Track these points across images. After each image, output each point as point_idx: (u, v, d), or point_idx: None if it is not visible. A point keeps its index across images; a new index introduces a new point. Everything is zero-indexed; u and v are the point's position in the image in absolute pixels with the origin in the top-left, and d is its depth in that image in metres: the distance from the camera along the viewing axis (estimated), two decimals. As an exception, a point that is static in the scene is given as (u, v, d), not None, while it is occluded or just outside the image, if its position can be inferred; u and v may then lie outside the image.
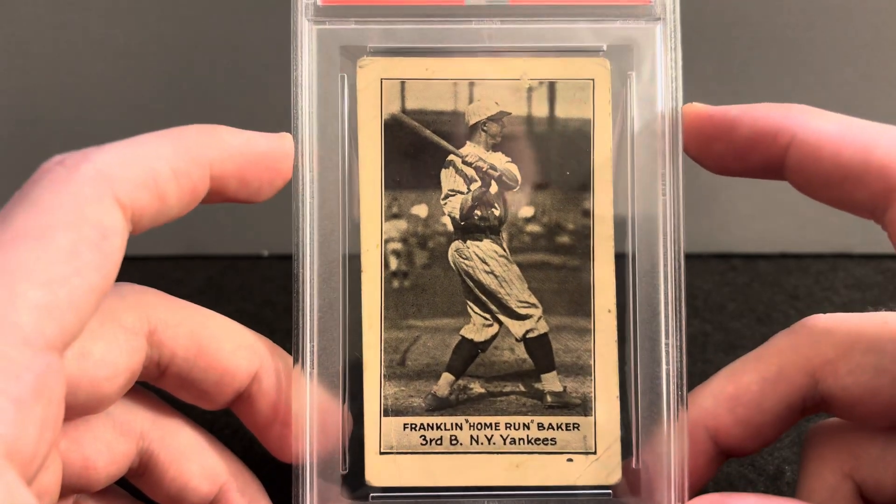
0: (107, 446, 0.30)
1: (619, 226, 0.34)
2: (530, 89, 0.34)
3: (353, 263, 0.33)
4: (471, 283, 0.33)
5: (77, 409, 0.29)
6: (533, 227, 0.34)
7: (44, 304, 0.24)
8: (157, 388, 0.32)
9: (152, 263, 0.47)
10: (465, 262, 0.34)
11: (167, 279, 0.44)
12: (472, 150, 0.34)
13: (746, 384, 0.32)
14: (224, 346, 0.32)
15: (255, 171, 0.31)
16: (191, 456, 0.32)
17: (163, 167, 0.28)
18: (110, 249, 0.26)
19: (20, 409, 0.23)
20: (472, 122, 0.33)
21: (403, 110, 0.33)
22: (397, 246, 0.33)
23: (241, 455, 0.33)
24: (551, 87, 0.33)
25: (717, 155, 0.32)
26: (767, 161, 0.32)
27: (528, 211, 0.34)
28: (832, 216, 0.48)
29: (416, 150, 0.33)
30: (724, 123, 0.32)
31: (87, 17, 0.49)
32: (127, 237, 0.27)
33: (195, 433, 0.33)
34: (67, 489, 0.30)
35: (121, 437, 0.31)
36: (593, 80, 0.34)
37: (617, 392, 0.33)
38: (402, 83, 0.33)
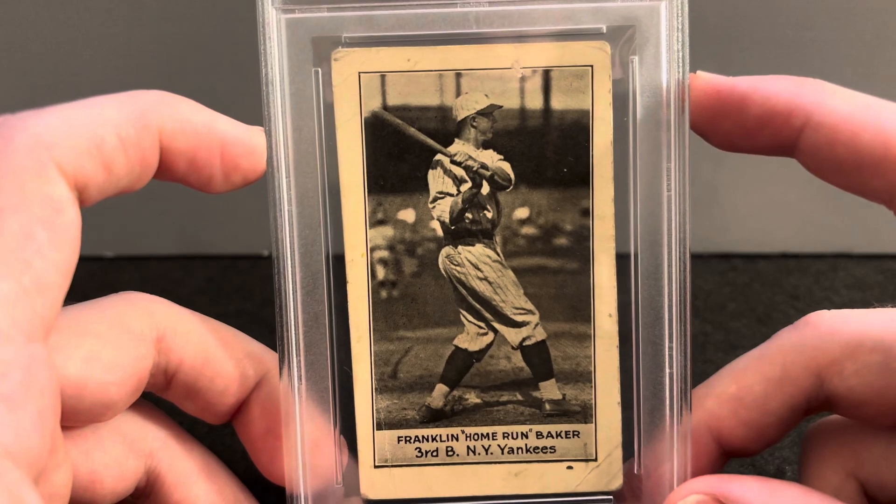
0: (116, 462, 0.26)
1: (621, 225, 0.27)
2: (523, 79, 0.27)
3: (338, 274, 0.27)
4: (463, 291, 0.28)
5: (84, 415, 0.25)
6: (528, 230, 0.27)
7: (11, 295, 0.20)
8: (166, 407, 0.28)
9: (152, 263, 0.42)
10: (457, 268, 0.28)
11: (167, 279, 0.38)
12: (460, 147, 0.27)
13: (750, 384, 0.27)
14: (230, 355, 0.27)
15: (207, 155, 0.25)
16: (197, 480, 0.27)
17: (108, 133, 0.23)
18: (66, 223, 0.22)
19: (12, 407, 0.20)
20: (460, 117, 0.27)
21: (385, 106, 0.27)
22: (384, 254, 0.27)
23: (247, 469, 0.29)
24: (546, 75, 0.27)
25: (724, 132, 0.27)
26: (778, 141, 0.26)
27: (522, 212, 0.27)
28: (832, 216, 0.44)
29: (400, 149, 0.27)
30: (732, 100, 0.26)
31: (65, 15, 0.41)
32: (78, 206, 0.23)
33: (204, 457, 0.28)
34: (72, 502, 0.25)
35: (130, 454, 0.26)
36: (592, 66, 0.27)
37: (618, 398, 0.28)
38: (383, 76, 0.26)
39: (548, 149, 0.27)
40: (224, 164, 0.25)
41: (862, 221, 0.25)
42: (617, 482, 0.28)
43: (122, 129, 0.23)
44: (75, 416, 0.24)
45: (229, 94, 0.37)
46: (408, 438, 0.28)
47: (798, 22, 0.42)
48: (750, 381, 0.27)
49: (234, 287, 0.37)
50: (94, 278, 0.37)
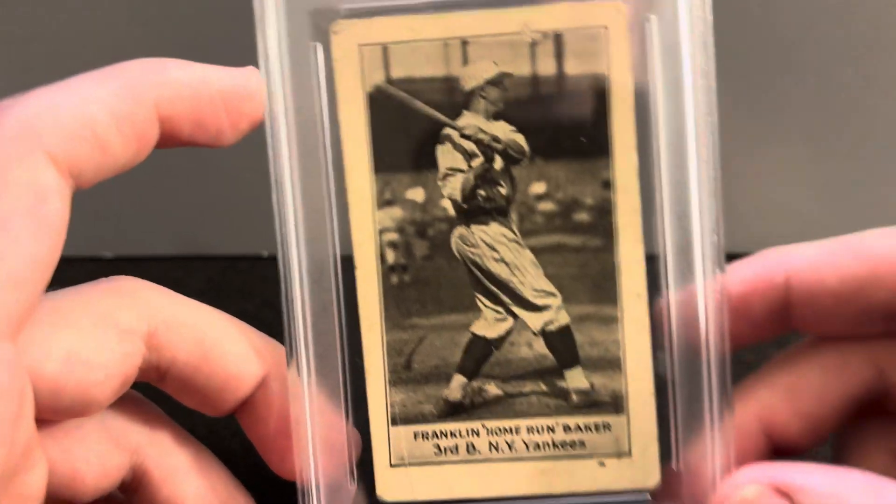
0: (98, 458, 0.24)
1: (647, 198, 0.24)
2: (533, 44, 0.24)
3: (346, 259, 0.25)
4: (479, 274, 0.25)
5: (62, 413, 0.22)
6: (546, 205, 0.24)
7: None
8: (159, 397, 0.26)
9: (152, 263, 0.40)
10: (471, 249, 0.25)
11: (167, 279, 0.36)
12: (470, 120, 0.24)
13: (805, 373, 0.25)
14: (230, 351, 0.24)
15: (212, 111, 0.23)
16: (186, 477, 0.25)
17: (100, 112, 0.21)
18: (49, 213, 0.20)
19: None
20: (468, 87, 0.24)
21: (388, 80, 0.24)
22: (393, 236, 0.25)
23: (246, 467, 0.26)
24: (558, 39, 0.24)
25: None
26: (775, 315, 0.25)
27: (539, 187, 0.24)
28: (832, 216, 0.41)
29: (406, 125, 0.24)
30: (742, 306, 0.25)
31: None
32: (69, 195, 0.21)
33: (195, 452, 0.26)
34: (52, 499, 0.23)
35: (114, 450, 0.24)
36: (607, 27, 0.24)
37: (652, 386, 0.25)
38: (385, 48, 0.24)
39: (563, 118, 0.24)
40: (229, 115, 0.23)
41: (862, 221, 0.23)
42: (654, 479, 0.25)
43: (114, 106, 0.22)
44: (52, 414, 0.22)
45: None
46: (425, 434, 0.25)
47: (798, 22, 0.40)
48: (805, 369, 0.25)
49: (233, 288, 0.35)
50: (93, 279, 0.36)
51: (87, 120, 0.21)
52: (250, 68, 0.24)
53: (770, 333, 0.25)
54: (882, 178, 0.40)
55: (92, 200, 0.40)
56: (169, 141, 0.23)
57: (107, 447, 0.24)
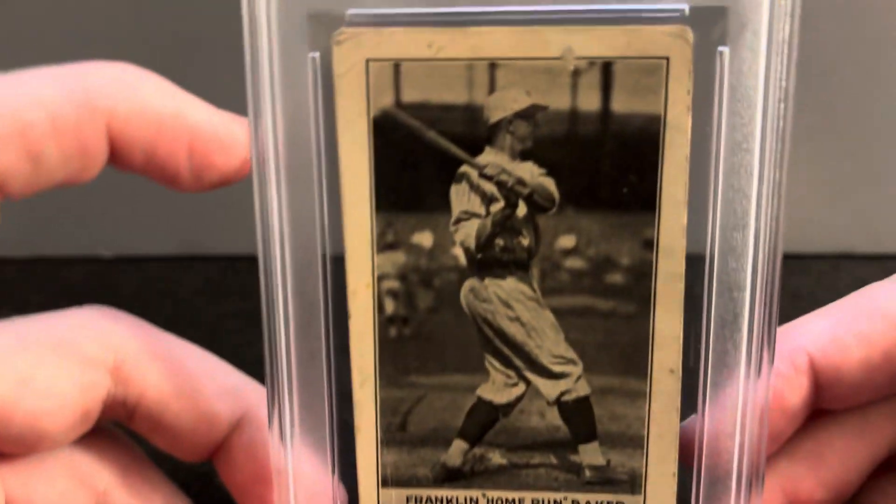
0: (60, 496, 0.22)
1: (694, 262, 0.21)
2: (576, 73, 0.20)
3: (339, 306, 0.21)
4: (490, 332, 0.21)
5: (12, 444, 0.20)
6: (574, 262, 0.21)
7: None
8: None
9: (152, 263, 0.39)
10: (483, 305, 0.21)
11: (167, 279, 0.34)
12: (492, 158, 0.20)
13: (827, 438, 0.22)
14: (204, 389, 0.22)
15: (170, 148, 0.20)
16: None
17: (38, 117, 0.18)
18: None
19: None
20: (493, 119, 0.20)
21: (399, 104, 0.20)
22: (394, 284, 0.21)
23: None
24: (606, 69, 0.20)
25: None
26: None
27: (567, 241, 0.21)
28: (833, 216, 0.40)
29: (416, 158, 0.20)
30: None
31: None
32: None
33: (167, 498, 0.24)
34: None
35: (79, 489, 0.22)
36: (667, 58, 0.19)
37: (674, 468, 0.22)
38: (397, 65, 0.20)
39: (604, 163, 0.20)
40: (194, 160, 0.20)
41: (864, 221, 0.22)
42: (667, 565, 0.22)
43: (58, 110, 0.18)
44: (1, 443, 0.20)
45: (207, 85, 0.31)
46: (418, 499, 0.22)
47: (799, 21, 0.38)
48: (827, 434, 0.23)
49: (232, 288, 0.32)
50: (92, 278, 0.34)
51: (20, 125, 0.18)
52: (239, 118, 0.20)
53: (802, 422, 0.22)
54: (882, 178, 0.39)
55: (91, 200, 0.37)
56: (121, 164, 0.20)
57: (71, 486, 0.22)
